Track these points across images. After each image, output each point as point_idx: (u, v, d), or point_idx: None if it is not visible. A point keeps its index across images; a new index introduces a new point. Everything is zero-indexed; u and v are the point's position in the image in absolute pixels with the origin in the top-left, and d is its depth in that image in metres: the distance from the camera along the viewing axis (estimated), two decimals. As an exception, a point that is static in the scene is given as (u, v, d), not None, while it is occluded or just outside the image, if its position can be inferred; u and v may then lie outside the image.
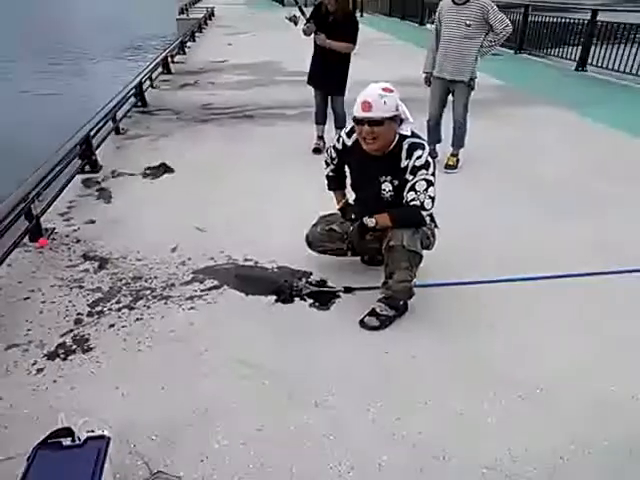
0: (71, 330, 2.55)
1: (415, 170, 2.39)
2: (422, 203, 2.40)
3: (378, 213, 2.53)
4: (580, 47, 9.72)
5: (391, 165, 2.46)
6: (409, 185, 2.42)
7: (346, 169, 2.88)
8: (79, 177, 4.39)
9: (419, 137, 2.50)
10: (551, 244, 3.39)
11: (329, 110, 5.11)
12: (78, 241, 3.38)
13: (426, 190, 2.39)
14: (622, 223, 3.68)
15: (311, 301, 2.78)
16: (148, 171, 4.61)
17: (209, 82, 8.58)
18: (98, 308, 2.71)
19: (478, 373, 2.31)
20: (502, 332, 2.57)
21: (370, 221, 2.54)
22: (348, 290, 2.84)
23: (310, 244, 2.98)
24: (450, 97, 4.63)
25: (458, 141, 4.69)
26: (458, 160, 4.72)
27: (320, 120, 5.18)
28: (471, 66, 4.36)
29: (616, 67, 8.78)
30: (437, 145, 4.88)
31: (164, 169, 4.63)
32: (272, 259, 3.18)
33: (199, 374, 2.28)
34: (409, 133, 2.46)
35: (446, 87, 4.57)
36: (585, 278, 3.01)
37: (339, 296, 2.82)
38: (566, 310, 2.74)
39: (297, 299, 2.80)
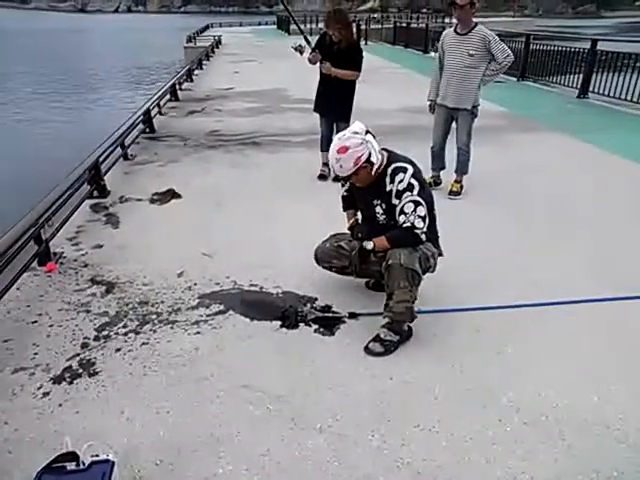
0: (77, 354, 2.57)
1: (399, 194, 2.47)
2: (413, 224, 2.47)
3: (376, 234, 2.63)
4: (581, 75, 9.87)
5: (379, 189, 2.57)
6: (398, 209, 2.50)
7: None
8: (88, 202, 4.46)
9: (402, 160, 2.57)
10: (554, 270, 3.41)
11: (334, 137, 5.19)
12: (86, 265, 3.43)
13: (414, 211, 2.45)
14: (630, 250, 3.69)
15: (316, 327, 2.79)
16: (156, 197, 4.68)
17: (216, 109, 8.75)
18: (105, 332, 2.74)
19: (483, 399, 2.30)
20: (507, 358, 2.57)
21: (368, 244, 2.63)
22: (353, 316, 2.86)
23: (317, 260, 3.03)
24: (454, 124, 4.69)
25: (462, 168, 4.74)
26: (462, 187, 4.77)
27: (325, 147, 5.24)
28: (473, 94, 4.44)
29: (617, 94, 8.89)
30: (441, 172, 4.94)
31: (171, 195, 4.70)
32: (277, 284, 3.20)
33: (204, 399, 2.29)
34: (382, 161, 2.54)
35: (449, 115, 4.64)
36: (590, 304, 3.01)
37: (344, 321, 2.83)
38: (572, 336, 2.74)
39: (302, 324, 2.81)
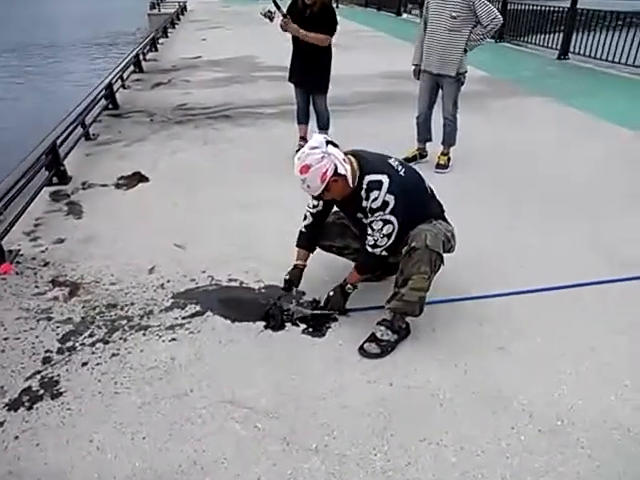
0: (38, 372, 2.28)
1: (372, 211, 2.31)
2: (375, 241, 2.35)
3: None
4: (561, 35, 9.61)
5: (358, 204, 2.36)
6: (368, 222, 2.36)
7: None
8: (46, 190, 4.07)
9: (376, 169, 2.31)
10: (553, 250, 3.22)
11: (312, 109, 4.86)
12: (46, 264, 3.10)
13: (381, 229, 2.31)
14: (632, 224, 3.52)
15: (304, 326, 2.55)
16: (121, 181, 4.31)
17: (183, 80, 8.25)
18: (69, 343, 2.45)
19: (492, 404, 2.11)
20: (513, 355, 2.38)
21: (348, 287, 2.55)
22: (343, 312, 2.62)
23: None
24: (440, 92, 4.41)
25: (448, 139, 4.49)
26: (449, 159, 4.52)
27: (302, 120, 4.92)
28: (457, 60, 4.14)
29: (598, 55, 8.69)
30: (427, 144, 4.67)
31: (138, 178, 4.34)
32: (259, 278, 2.94)
33: (184, 419, 2.04)
34: (354, 170, 2.30)
35: (434, 82, 4.35)
36: (599, 287, 2.83)
37: (335, 319, 2.59)
38: (581, 324, 2.56)
39: (289, 324, 2.57)
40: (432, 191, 2.53)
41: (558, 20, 9.98)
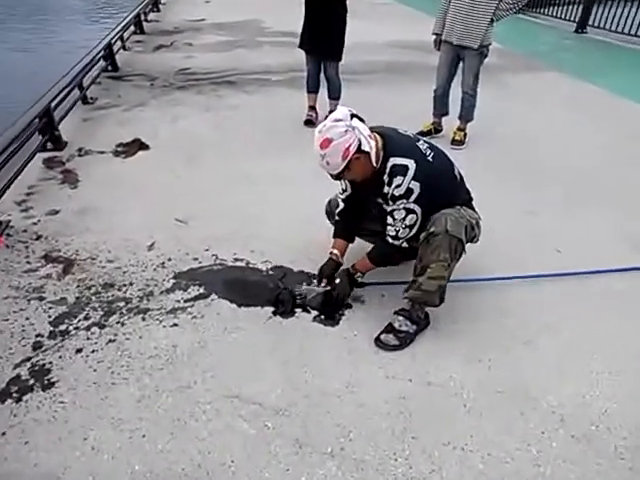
0: (28, 358, 2.10)
1: (394, 198, 2.10)
2: (397, 232, 2.16)
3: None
4: (580, 7, 9.20)
5: (378, 188, 2.13)
6: (389, 210, 2.15)
7: None
8: (40, 156, 3.84)
9: (402, 151, 2.08)
10: (574, 237, 3.02)
11: (322, 77, 4.59)
12: (38, 237, 2.90)
13: (404, 219, 2.11)
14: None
15: (315, 313, 2.37)
16: (120, 148, 4.08)
17: (186, 43, 7.88)
18: (62, 327, 2.27)
19: (520, 405, 1.94)
20: (540, 350, 2.20)
21: (358, 276, 2.39)
22: (359, 285, 2.44)
23: (329, 214, 2.62)
24: (461, 65, 4.14)
25: (466, 114, 4.23)
26: (465, 135, 4.28)
27: (312, 88, 4.65)
28: (483, 31, 3.85)
29: (619, 29, 8.32)
30: (443, 118, 4.42)
31: (138, 146, 4.11)
32: (266, 258, 2.75)
33: (187, 415, 1.87)
34: (378, 149, 2.08)
35: (455, 53, 4.06)
36: (630, 274, 2.65)
37: (349, 305, 2.41)
38: (613, 317, 2.39)
39: (299, 310, 2.39)
40: (461, 177, 2.31)
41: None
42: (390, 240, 2.18)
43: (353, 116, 2.01)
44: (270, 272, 2.65)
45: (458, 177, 2.28)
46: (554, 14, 10.09)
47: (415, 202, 2.07)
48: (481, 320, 2.37)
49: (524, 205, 3.35)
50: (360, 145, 1.98)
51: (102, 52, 5.93)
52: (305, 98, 4.71)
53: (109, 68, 6.22)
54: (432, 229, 2.07)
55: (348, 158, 1.99)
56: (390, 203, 2.12)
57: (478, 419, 1.89)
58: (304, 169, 3.65)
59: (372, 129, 2.10)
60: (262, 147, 4.13)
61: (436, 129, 4.43)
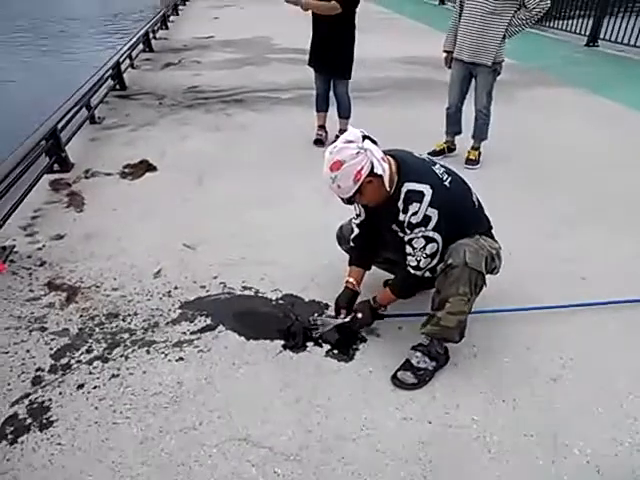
0: (27, 395, 2.00)
1: (412, 226, 1.99)
2: (418, 262, 2.04)
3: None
4: (591, 20, 9.12)
5: (394, 215, 2.03)
6: (407, 239, 2.04)
7: None
8: (46, 178, 3.78)
9: (417, 176, 1.97)
10: (603, 261, 2.89)
11: (332, 95, 4.51)
12: (42, 264, 2.81)
13: (424, 248, 2.00)
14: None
15: (328, 347, 2.25)
16: (127, 170, 4.01)
17: (194, 61, 7.88)
18: (64, 360, 2.17)
19: (549, 451, 1.81)
20: (568, 388, 2.07)
21: (382, 310, 2.29)
22: (378, 317, 2.32)
23: (340, 239, 2.52)
24: (473, 82, 4.05)
25: (480, 133, 4.13)
26: (480, 154, 4.18)
27: (321, 107, 4.58)
28: (495, 47, 3.76)
29: (631, 42, 8.22)
30: (456, 137, 4.33)
31: (145, 167, 4.04)
32: (276, 287, 2.64)
33: (193, 459, 1.76)
34: (392, 173, 1.97)
35: (467, 71, 3.98)
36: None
37: (364, 339, 2.30)
38: (640, 353, 2.25)
39: (310, 343, 2.27)
40: (480, 204, 2.20)
41: (585, 3, 9.48)
42: (412, 271, 2.07)
43: (365, 138, 1.91)
44: (280, 302, 2.54)
45: (476, 204, 2.18)
46: (564, 28, 10.01)
47: (434, 230, 1.96)
48: (503, 354, 2.24)
49: (544, 227, 3.22)
50: (373, 168, 1.87)
51: (110, 71, 5.92)
52: (314, 117, 4.63)
53: (117, 87, 6.21)
54: (450, 261, 1.96)
55: (360, 181, 1.88)
56: (407, 231, 2.01)
57: (504, 468, 1.76)
58: (314, 191, 3.57)
59: (385, 152, 2.01)
60: (271, 168, 4.05)
61: (449, 148, 4.34)
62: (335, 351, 2.23)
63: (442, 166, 2.10)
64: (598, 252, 2.98)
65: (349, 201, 2.02)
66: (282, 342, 2.27)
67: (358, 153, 1.86)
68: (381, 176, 1.90)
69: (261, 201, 3.53)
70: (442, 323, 2.01)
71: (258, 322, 2.40)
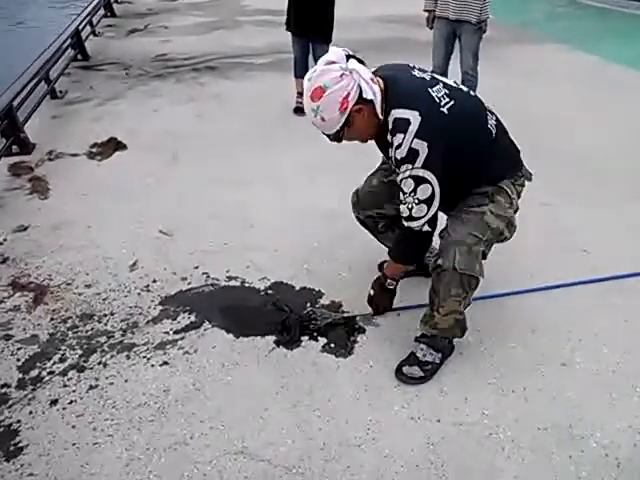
0: (-7, 415, 1.81)
1: (398, 163, 1.68)
2: (410, 211, 1.72)
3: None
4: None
5: (387, 150, 1.76)
6: (398, 181, 1.73)
7: None
8: (4, 162, 3.47)
9: (406, 101, 1.64)
10: (600, 235, 2.77)
11: (310, 60, 4.24)
12: (4, 260, 2.57)
13: (414, 191, 1.68)
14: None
15: (324, 340, 2.09)
16: (95, 149, 3.72)
17: (161, 26, 7.43)
18: (34, 372, 1.96)
19: (566, 445, 1.69)
20: (579, 372, 1.96)
21: (389, 283, 2.03)
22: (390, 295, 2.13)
23: (356, 204, 2.22)
24: (458, 43, 3.83)
25: (468, 96, 3.92)
26: (469, 118, 3.98)
27: (301, 72, 4.29)
28: (480, 3, 3.56)
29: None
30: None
31: (114, 146, 3.75)
32: (263, 275, 2.46)
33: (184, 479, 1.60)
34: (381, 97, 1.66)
35: (452, 30, 3.77)
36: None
37: (362, 329, 2.14)
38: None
39: (305, 337, 2.11)
40: (499, 131, 1.84)
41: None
42: (406, 223, 1.76)
43: (350, 57, 1.64)
44: (269, 291, 2.36)
45: (493, 131, 1.82)
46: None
47: (424, 167, 1.63)
48: (509, 339, 2.11)
49: (538, 195, 3.06)
50: (361, 92, 1.60)
51: (70, 39, 5.50)
52: (293, 83, 4.36)
53: (79, 57, 5.80)
54: (439, 261, 1.76)
55: (347, 111, 1.61)
56: (397, 172, 1.71)
57: (521, 467, 1.64)
58: (299, 166, 3.37)
59: (376, 72, 1.73)
60: (250, 141, 3.80)
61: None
62: (332, 345, 2.07)
63: (447, 86, 1.75)
64: (597, 223, 2.85)
65: (336, 137, 1.72)
66: (274, 338, 2.10)
67: (342, 75, 1.58)
68: (372, 101, 1.63)
69: (239, 179, 3.30)
70: (440, 326, 1.87)
71: (246, 316, 2.22)
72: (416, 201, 1.69)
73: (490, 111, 1.86)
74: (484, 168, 1.81)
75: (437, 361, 1.93)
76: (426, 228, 1.76)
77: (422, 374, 1.91)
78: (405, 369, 1.92)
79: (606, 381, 1.92)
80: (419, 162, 1.63)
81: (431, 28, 3.91)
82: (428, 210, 1.71)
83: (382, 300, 2.10)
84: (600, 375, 1.95)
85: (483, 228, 1.78)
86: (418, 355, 1.93)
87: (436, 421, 1.78)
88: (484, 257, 1.84)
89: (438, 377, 1.93)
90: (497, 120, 1.86)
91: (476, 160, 1.79)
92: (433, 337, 1.94)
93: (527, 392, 1.88)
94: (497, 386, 1.91)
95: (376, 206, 2.15)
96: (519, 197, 1.90)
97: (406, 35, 6.50)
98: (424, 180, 1.66)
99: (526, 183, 1.93)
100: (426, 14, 3.90)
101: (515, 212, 1.91)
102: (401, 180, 1.69)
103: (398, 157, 1.65)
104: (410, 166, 1.64)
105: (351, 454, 1.67)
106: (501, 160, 1.85)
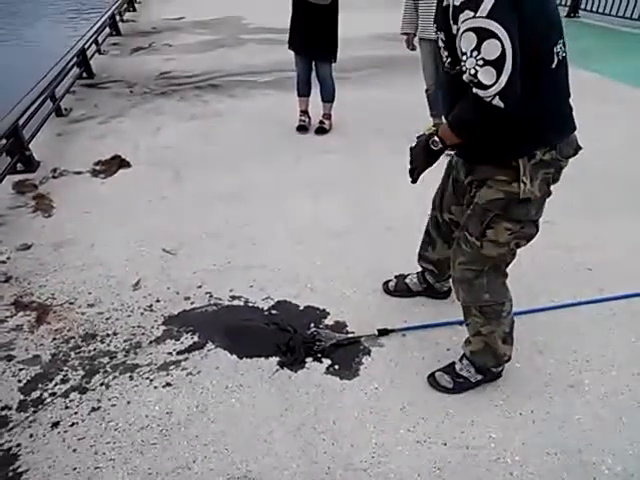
0: (-7, 439, 1.79)
1: (456, 13, 1.32)
2: (474, 76, 1.32)
3: (450, 98, 1.60)
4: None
5: (438, 5, 1.47)
6: (457, 45, 1.38)
7: None
8: (9, 180, 3.48)
9: None
10: (603, 248, 2.75)
11: (314, 78, 4.26)
12: (8, 279, 2.56)
13: (476, 49, 1.29)
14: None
15: (329, 362, 2.07)
16: (98, 167, 3.73)
17: (166, 44, 7.49)
18: (35, 394, 1.95)
19: (576, 471, 1.66)
20: (587, 395, 1.93)
21: (434, 141, 1.61)
22: (383, 333, 2.15)
23: (439, 203, 2.06)
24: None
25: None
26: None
27: (303, 91, 4.32)
28: None
29: (613, 12, 8.06)
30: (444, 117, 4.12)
31: (118, 163, 3.76)
32: (267, 294, 2.44)
33: (187, 506, 1.58)
34: None
35: (436, 46, 3.76)
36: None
37: (367, 350, 2.12)
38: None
39: (309, 359, 2.09)
40: (562, 67, 1.51)
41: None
42: (474, 90, 1.35)
43: None
44: (273, 311, 2.34)
45: (555, 60, 1.45)
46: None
47: (490, 17, 1.26)
48: (515, 360, 2.05)
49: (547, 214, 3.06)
50: None
51: (75, 58, 5.55)
52: (296, 102, 4.38)
53: (84, 75, 5.84)
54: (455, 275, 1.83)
55: None
56: (454, 28, 1.36)
57: (530, 494, 1.61)
58: (301, 183, 3.37)
59: None
60: (253, 159, 3.81)
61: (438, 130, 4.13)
62: (336, 366, 2.05)
63: None
64: (601, 240, 2.83)
65: None
66: (277, 359, 2.08)
67: None
68: None
69: (243, 195, 3.30)
70: (471, 348, 1.88)
71: (250, 337, 2.20)
72: (480, 62, 1.30)
73: (564, 42, 1.49)
74: (527, 101, 1.38)
75: (472, 380, 1.91)
76: (497, 102, 1.33)
77: (450, 385, 1.91)
78: (438, 374, 1.94)
79: (616, 404, 1.89)
80: (483, 9, 1.27)
81: (412, 49, 3.94)
82: (499, 76, 1.29)
83: (417, 155, 1.71)
84: (609, 397, 1.92)
85: (482, 261, 1.73)
86: (456, 367, 1.94)
87: (442, 444, 1.75)
88: (513, 256, 1.75)
89: (444, 399, 1.91)
90: (565, 58, 1.51)
91: (546, 43, 1.41)
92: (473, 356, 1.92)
93: (535, 415, 1.86)
94: (503, 408, 1.88)
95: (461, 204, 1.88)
96: (554, 181, 1.72)
97: (409, 52, 6.52)
98: (489, 34, 1.27)
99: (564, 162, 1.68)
100: (405, 37, 3.93)
101: (541, 204, 1.74)
102: (461, 37, 1.32)
103: (457, 3, 1.31)
104: (471, 14, 1.28)
105: (356, 478, 1.65)
106: (546, 104, 1.50)
